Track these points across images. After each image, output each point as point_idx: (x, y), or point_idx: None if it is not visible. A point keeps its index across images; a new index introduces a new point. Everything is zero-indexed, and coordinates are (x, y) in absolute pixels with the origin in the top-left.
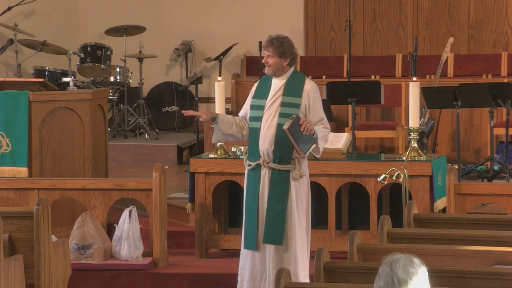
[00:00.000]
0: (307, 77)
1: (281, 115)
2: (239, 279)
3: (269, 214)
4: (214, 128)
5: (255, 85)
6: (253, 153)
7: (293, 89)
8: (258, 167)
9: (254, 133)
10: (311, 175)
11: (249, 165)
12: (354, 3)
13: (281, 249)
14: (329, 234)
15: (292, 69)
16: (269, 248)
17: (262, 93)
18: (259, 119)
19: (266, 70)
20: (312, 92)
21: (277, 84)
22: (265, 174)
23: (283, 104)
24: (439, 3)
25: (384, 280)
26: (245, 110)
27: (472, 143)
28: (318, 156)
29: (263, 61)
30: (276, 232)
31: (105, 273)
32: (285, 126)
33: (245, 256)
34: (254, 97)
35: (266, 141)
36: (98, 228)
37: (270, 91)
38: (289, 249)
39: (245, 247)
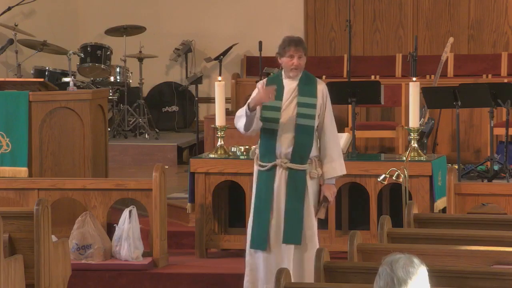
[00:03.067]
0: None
1: (299, 115)
2: (247, 279)
3: (288, 214)
4: (252, 115)
5: (263, 82)
6: (268, 153)
7: (307, 89)
8: (273, 168)
9: (270, 134)
10: None
11: (263, 166)
12: (354, 3)
13: (300, 249)
14: (329, 234)
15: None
16: (288, 249)
17: (275, 94)
18: (276, 120)
19: (295, 73)
20: (325, 91)
21: (290, 85)
22: (281, 175)
23: (299, 105)
24: (439, 3)
25: (384, 280)
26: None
27: (472, 143)
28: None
29: (294, 63)
30: (296, 232)
31: (105, 273)
32: (321, 216)
33: (256, 257)
34: None
35: (284, 143)
36: (98, 228)
37: (284, 93)
38: (308, 248)
39: (252, 247)
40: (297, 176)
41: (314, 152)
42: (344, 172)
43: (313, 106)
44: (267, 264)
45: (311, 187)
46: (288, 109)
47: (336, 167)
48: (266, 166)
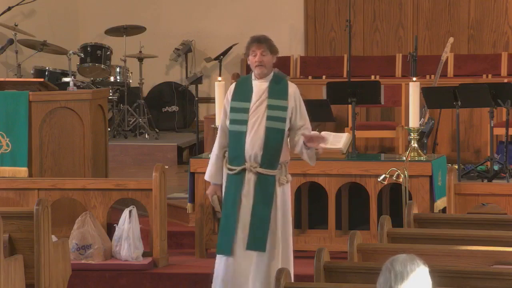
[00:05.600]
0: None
1: (269, 118)
2: (213, 285)
3: (254, 220)
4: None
5: (232, 87)
6: (237, 157)
7: (278, 91)
8: (242, 172)
9: (238, 137)
10: (310, 175)
11: (232, 169)
12: (354, 3)
13: (264, 256)
14: (329, 234)
15: (272, 70)
16: (250, 255)
17: (244, 95)
18: (244, 122)
19: (259, 70)
20: (297, 94)
21: (259, 86)
22: (250, 179)
23: (270, 107)
24: (439, 3)
25: (383, 276)
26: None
27: (472, 143)
28: (312, 165)
29: (257, 59)
30: (261, 239)
31: (105, 273)
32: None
33: (219, 262)
34: (234, 99)
35: (254, 146)
36: (98, 228)
37: (253, 94)
38: (273, 256)
39: (218, 253)
40: (266, 181)
41: (284, 157)
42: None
43: (284, 108)
44: (227, 271)
45: (280, 193)
46: (258, 111)
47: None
48: (234, 170)
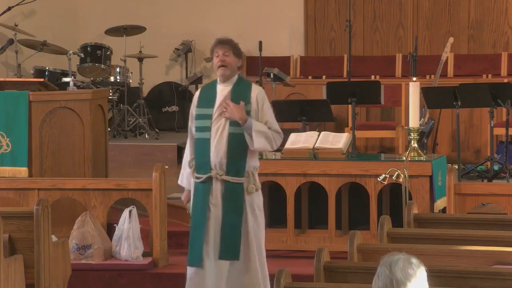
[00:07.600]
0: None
1: (232, 123)
2: None
3: (225, 228)
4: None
5: (197, 93)
6: (203, 165)
7: (240, 95)
8: (209, 180)
9: (203, 144)
10: (310, 175)
11: (198, 177)
12: (354, 3)
13: (238, 265)
14: (329, 234)
15: (237, 75)
16: (223, 265)
17: (208, 101)
18: (207, 129)
19: (221, 72)
20: (260, 97)
21: (223, 90)
22: (217, 187)
23: None
24: (439, 3)
25: (383, 282)
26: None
27: (472, 143)
28: (252, 149)
29: (219, 60)
30: (233, 247)
31: (105, 273)
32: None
33: (194, 275)
34: (198, 106)
35: (218, 153)
36: (98, 228)
37: (217, 99)
38: (246, 264)
39: (190, 265)
40: (234, 189)
41: (252, 163)
42: (254, 141)
43: (247, 113)
44: (199, 283)
45: (249, 202)
46: (220, 117)
47: (259, 128)
48: (201, 177)
